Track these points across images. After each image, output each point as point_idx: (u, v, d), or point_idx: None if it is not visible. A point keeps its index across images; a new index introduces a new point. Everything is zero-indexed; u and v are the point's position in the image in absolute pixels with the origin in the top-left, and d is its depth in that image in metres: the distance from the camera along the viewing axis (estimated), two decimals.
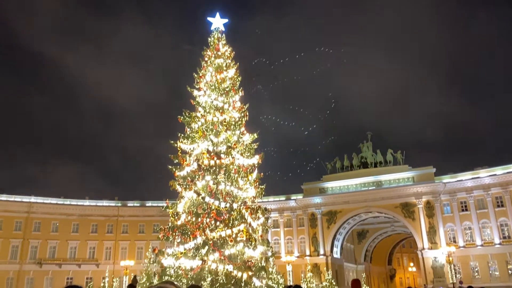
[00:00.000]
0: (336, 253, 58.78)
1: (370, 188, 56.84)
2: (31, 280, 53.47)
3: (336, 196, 58.35)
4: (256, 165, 25.16)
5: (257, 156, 25.05)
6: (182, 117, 25.63)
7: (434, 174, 54.38)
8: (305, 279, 37.10)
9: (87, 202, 61.83)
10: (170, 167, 24.93)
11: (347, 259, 62.80)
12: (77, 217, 59.76)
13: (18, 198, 57.61)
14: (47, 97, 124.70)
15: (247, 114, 26.64)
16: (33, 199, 58.29)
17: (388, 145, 75.89)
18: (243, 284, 20.11)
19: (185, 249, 22.01)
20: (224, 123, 25.11)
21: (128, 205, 63.39)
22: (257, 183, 25.19)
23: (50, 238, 57.79)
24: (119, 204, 62.97)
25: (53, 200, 59.90)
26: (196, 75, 27.33)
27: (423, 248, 51.79)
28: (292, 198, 61.39)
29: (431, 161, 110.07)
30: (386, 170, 56.85)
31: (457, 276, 46.27)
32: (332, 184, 59.65)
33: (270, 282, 22.32)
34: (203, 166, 23.75)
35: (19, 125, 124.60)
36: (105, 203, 62.86)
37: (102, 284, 34.81)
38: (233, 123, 25.57)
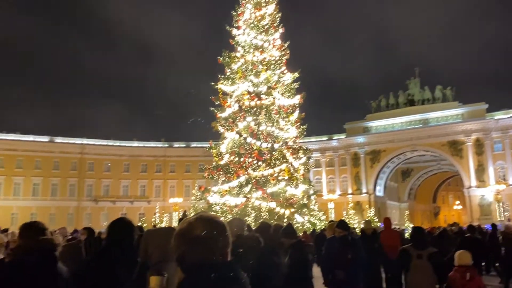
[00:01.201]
0: (379, 191, 58.75)
1: (416, 126, 55.07)
2: (88, 215, 57.91)
3: (380, 135, 57.18)
4: (297, 105, 24.82)
5: (298, 96, 24.63)
6: (221, 58, 25.32)
7: (486, 110, 51.59)
8: (347, 216, 37.74)
9: (135, 144, 64.55)
10: (212, 108, 25.12)
11: (390, 197, 62.76)
12: (128, 157, 62.79)
13: (72, 140, 61.00)
14: (91, 41, 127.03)
15: (288, 52, 25.88)
16: (85, 141, 61.54)
17: (437, 81, 72.28)
18: (285, 220, 20.71)
19: (229, 187, 22.72)
20: (264, 63, 24.60)
21: (174, 146, 65.63)
22: (298, 124, 25.00)
23: (104, 177, 61.62)
24: (166, 145, 65.34)
25: (104, 142, 62.96)
26: (234, 13, 26.51)
27: (470, 186, 50.56)
28: (334, 138, 60.86)
29: (484, 96, 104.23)
30: (434, 107, 54.50)
31: (505, 214, 45.22)
32: (376, 123, 58.29)
33: (312, 219, 22.85)
34: (243, 107, 23.74)
35: (67, 70, 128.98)
36: (152, 144, 65.41)
37: (153, 219, 37.12)
38: (273, 62, 24.99)
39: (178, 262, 1.47)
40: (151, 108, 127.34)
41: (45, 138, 59.79)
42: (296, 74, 25.14)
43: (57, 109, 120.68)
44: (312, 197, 24.80)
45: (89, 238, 8.72)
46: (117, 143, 63.66)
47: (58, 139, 60.38)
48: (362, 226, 12.19)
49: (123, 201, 60.66)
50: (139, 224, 24.55)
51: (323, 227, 20.11)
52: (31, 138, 58.95)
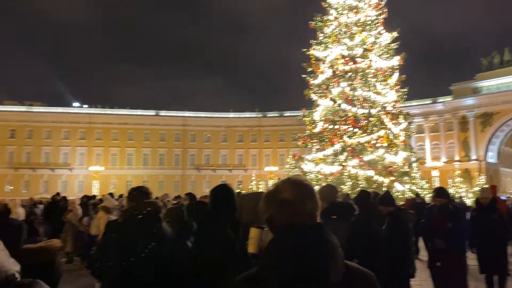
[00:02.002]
0: (491, 158, 53.56)
1: None
2: (192, 183, 62.21)
3: (493, 95, 51.50)
4: (396, 67, 23.32)
5: (397, 57, 23.09)
6: (313, 23, 24.61)
7: None
8: (453, 184, 35.11)
9: (231, 115, 67.04)
10: (304, 76, 24.75)
11: (504, 164, 56.94)
12: (225, 128, 65.63)
13: (174, 113, 65.47)
14: (184, 14, 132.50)
15: (385, 10, 24.21)
16: (186, 113, 65.67)
17: None
18: (384, 189, 19.96)
19: (323, 155, 22.48)
20: (358, 24, 23.39)
21: (268, 115, 66.76)
22: (398, 87, 23.54)
23: (204, 147, 65.42)
24: (260, 115, 66.82)
25: (203, 114, 66.53)
26: None
27: None
28: (439, 101, 56.38)
29: None
30: None
31: None
32: (488, 83, 52.53)
33: (414, 187, 21.68)
34: (338, 72, 22.99)
35: (166, 45, 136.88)
36: (247, 114, 67.32)
37: (250, 187, 38.57)
38: (369, 22, 23.62)
39: (267, 223, 1.47)
40: (245, 79, 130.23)
41: (151, 112, 65.00)
42: (395, 34, 23.49)
43: (161, 84, 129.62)
44: (414, 165, 23.48)
45: (191, 202, 9.33)
46: (215, 114, 66.71)
47: (163, 113, 65.21)
48: (470, 195, 11.20)
49: (223, 169, 63.96)
50: (237, 191, 25.59)
51: (426, 195, 19.01)
52: (139, 112, 64.54)
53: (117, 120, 62.51)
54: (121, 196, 14.32)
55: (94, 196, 14.66)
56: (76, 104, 66.22)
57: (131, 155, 63.40)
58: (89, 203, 12.23)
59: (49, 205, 13.46)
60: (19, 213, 9.38)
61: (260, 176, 49.87)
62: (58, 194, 14.65)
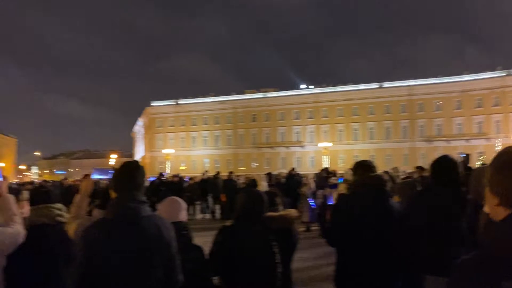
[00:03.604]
0: None
1: None
2: (422, 155, 58.28)
3: None
4: None
5: None
6: None
7: None
8: None
9: (466, 77, 59.34)
10: None
11: None
12: (459, 93, 58.74)
13: (398, 83, 62.60)
14: None
15: None
16: (412, 82, 61.73)
17: None
18: None
19: None
20: None
21: None
22: None
23: (434, 116, 60.26)
24: (504, 74, 56.74)
25: (431, 81, 61.16)
26: None
27: None
28: None
29: None
30: None
31: None
32: None
33: None
34: None
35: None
36: (486, 75, 58.31)
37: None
38: None
39: (500, 199, 1.24)
40: (480, 34, 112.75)
41: (374, 85, 63.97)
42: None
43: (383, 54, 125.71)
44: None
45: (422, 176, 8.84)
46: (445, 79, 60.40)
47: (386, 84, 63.26)
48: None
49: (458, 139, 57.67)
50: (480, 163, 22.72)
51: None
52: (362, 86, 64.49)
53: (341, 97, 64.26)
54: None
55: (326, 170, 15.52)
56: (303, 86, 71.39)
57: (357, 130, 64.24)
58: (326, 176, 13.04)
59: (286, 179, 15.03)
60: (263, 186, 10.94)
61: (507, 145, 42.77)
62: (293, 169, 16.17)
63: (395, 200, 3.75)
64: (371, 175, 3.45)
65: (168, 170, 47.57)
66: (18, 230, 2.48)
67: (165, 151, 60.98)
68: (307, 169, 46.61)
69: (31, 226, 2.86)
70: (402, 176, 10.01)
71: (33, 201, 3.13)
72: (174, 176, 17.24)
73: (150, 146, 75.88)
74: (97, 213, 2.83)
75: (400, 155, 59.40)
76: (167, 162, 57.55)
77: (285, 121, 67.69)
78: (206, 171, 18.75)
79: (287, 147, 67.11)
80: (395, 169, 14.34)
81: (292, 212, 3.45)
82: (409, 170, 15.92)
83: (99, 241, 2.09)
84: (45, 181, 19.35)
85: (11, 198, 2.67)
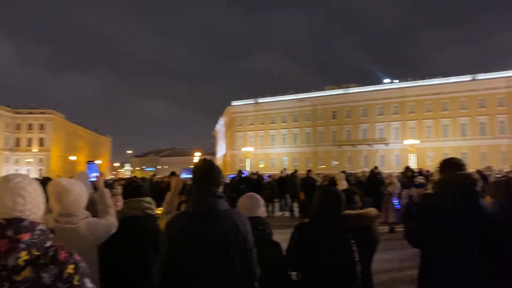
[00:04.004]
0: None
1: None
2: None
3: None
4: None
5: None
6: None
7: None
8: None
9: None
10: None
11: None
12: None
13: (495, 74, 57.40)
14: None
15: None
16: (511, 72, 56.22)
17: None
18: None
19: None
20: None
21: None
22: None
23: None
24: None
25: None
26: None
27: None
28: None
29: None
30: None
31: None
32: None
33: None
34: None
35: None
36: None
37: None
38: None
39: None
40: None
41: (467, 77, 59.31)
42: None
43: (476, 45, 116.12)
44: None
45: None
46: None
47: (480, 76, 58.29)
48: None
49: None
50: None
51: None
52: (453, 79, 60.10)
53: (429, 91, 60.51)
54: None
55: (409, 168, 14.77)
56: (386, 80, 68.44)
57: (447, 126, 60.03)
58: (412, 175, 12.46)
59: (368, 178, 14.54)
60: (343, 185, 10.65)
61: None
62: (376, 168, 15.60)
63: (487, 200, 3.48)
64: (459, 173, 3.24)
65: (247, 168, 48.68)
66: (111, 221, 2.72)
67: (245, 149, 62.42)
68: (392, 168, 44.72)
69: (123, 218, 3.14)
70: (498, 175, 9.18)
71: (125, 195, 3.43)
72: (253, 173, 17.60)
73: (231, 144, 78.15)
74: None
75: (496, 153, 54.40)
76: (246, 160, 58.85)
77: (367, 118, 65.52)
78: (285, 169, 18.83)
79: (369, 144, 64.93)
80: (488, 168, 13.17)
81: (371, 210, 3.35)
82: (506, 169, 14.56)
83: (179, 233, 2.22)
84: (135, 177, 20.88)
85: (107, 192, 2.95)
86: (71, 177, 3.18)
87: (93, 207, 2.83)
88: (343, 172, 14.90)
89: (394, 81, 66.97)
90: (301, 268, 2.96)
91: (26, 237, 1.38)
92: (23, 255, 1.35)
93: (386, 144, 63.54)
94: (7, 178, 1.51)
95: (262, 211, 3.04)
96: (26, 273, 1.34)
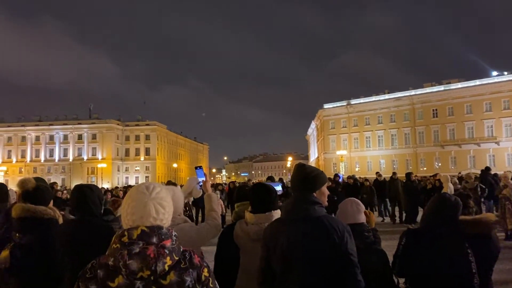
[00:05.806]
0: None
1: None
2: None
3: None
4: None
5: None
6: None
7: None
8: None
9: None
10: None
11: None
12: None
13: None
14: None
15: None
16: None
17: None
18: None
19: None
20: None
21: None
22: None
23: None
24: None
25: None
26: None
27: None
28: None
29: None
30: None
31: None
32: None
33: None
34: None
35: None
36: None
37: None
38: None
39: None
40: None
41: None
42: None
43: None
44: None
45: None
46: None
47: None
48: None
49: None
50: None
51: None
52: None
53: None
54: None
55: None
56: (495, 73, 62.00)
57: None
58: None
59: (480, 180, 13.28)
60: (450, 188, 10.10)
61: None
62: (487, 168, 14.19)
63: None
64: None
65: (342, 172, 47.57)
66: (212, 225, 2.75)
67: (338, 152, 61.14)
68: (504, 168, 40.36)
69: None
70: None
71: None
72: (349, 177, 17.09)
73: (323, 148, 77.18)
74: None
75: None
76: (341, 163, 57.56)
77: (473, 115, 60.01)
78: (377, 172, 18.03)
79: (477, 143, 59.35)
80: None
81: (490, 216, 3.01)
82: None
83: (274, 239, 2.21)
84: (232, 182, 21.62)
85: (214, 196, 2.98)
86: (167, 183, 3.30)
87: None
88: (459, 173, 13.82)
89: (504, 73, 60.40)
90: (409, 277, 2.77)
91: (168, 243, 1.47)
92: (168, 260, 1.43)
93: (497, 142, 57.53)
94: (148, 188, 1.58)
95: (363, 217, 2.90)
96: (171, 277, 1.43)
